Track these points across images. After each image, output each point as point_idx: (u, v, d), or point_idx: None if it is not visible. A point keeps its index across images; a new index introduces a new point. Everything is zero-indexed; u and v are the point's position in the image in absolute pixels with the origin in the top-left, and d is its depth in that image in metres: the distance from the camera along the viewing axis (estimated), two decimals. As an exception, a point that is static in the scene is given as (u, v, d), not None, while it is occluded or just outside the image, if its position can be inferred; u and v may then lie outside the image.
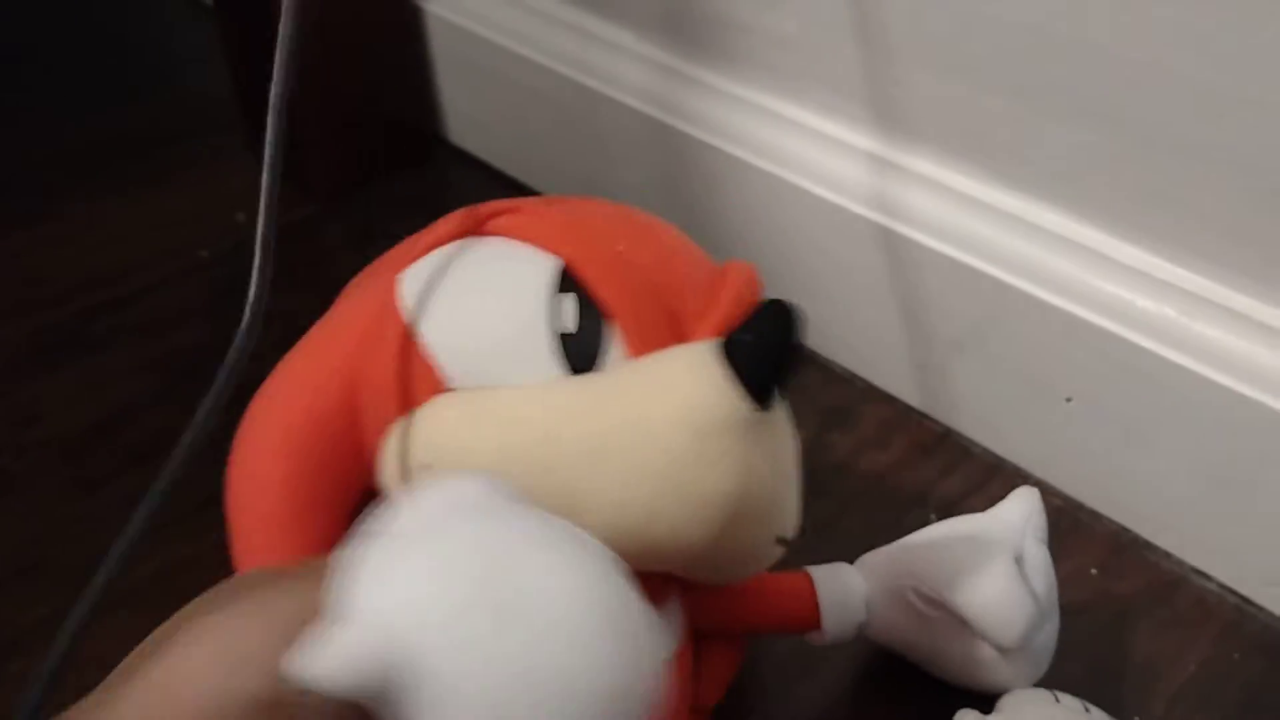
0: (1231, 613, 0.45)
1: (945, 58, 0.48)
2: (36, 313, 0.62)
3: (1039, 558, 0.40)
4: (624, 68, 0.61)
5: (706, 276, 0.32)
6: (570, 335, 0.29)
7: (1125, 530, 0.49)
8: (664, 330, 0.30)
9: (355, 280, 0.36)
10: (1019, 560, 0.38)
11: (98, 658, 0.44)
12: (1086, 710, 0.37)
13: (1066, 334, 0.47)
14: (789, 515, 0.32)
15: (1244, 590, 0.46)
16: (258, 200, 0.74)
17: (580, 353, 0.30)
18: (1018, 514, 0.40)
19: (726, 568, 0.32)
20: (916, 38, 0.48)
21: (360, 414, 0.31)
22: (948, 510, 0.49)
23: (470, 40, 0.69)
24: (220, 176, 0.73)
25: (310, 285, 0.64)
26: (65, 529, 0.49)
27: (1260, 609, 0.45)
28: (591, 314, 0.30)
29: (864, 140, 0.53)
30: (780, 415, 0.31)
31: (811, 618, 0.39)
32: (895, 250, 0.51)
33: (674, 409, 0.28)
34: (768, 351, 0.28)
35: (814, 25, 0.52)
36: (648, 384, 0.29)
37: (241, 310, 0.62)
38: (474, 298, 0.30)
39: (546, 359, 0.29)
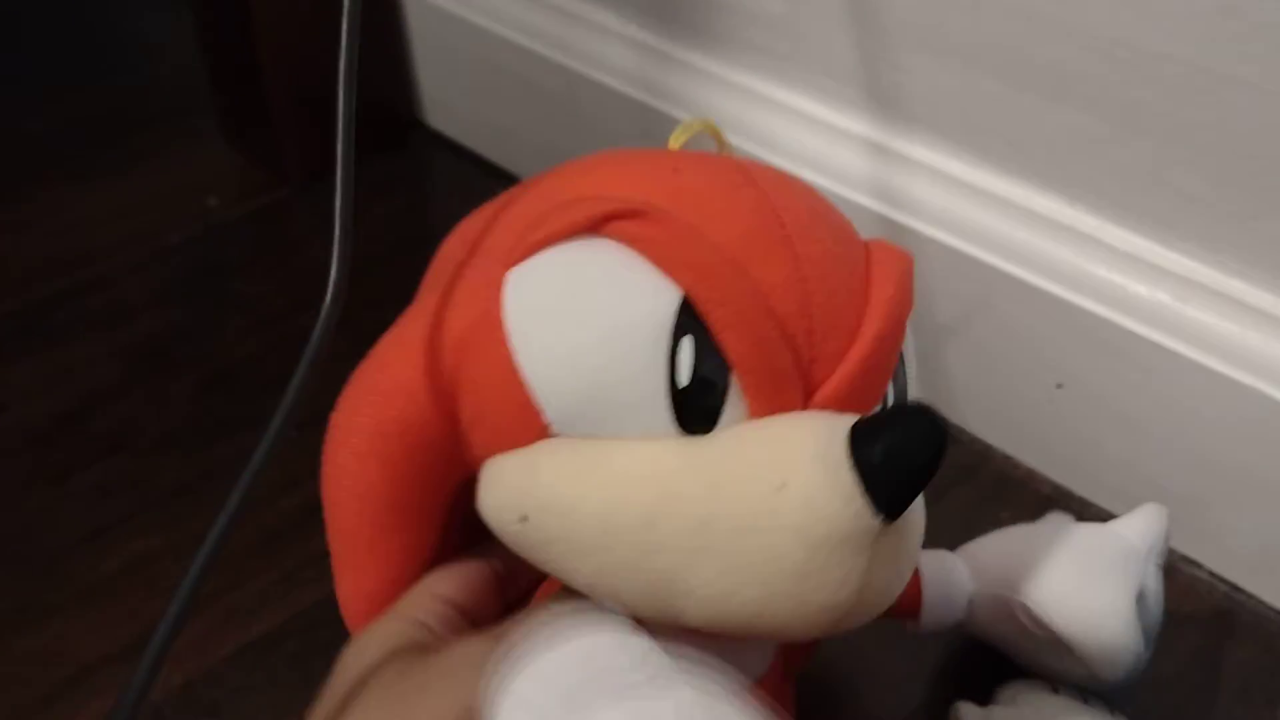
0: (1222, 600, 0.45)
1: (936, 41, 0.47)
2: (1, 299, 0.61)
3: (1156, 590, 0.38)
4: (606, 49, 0.60)
5: (849, 292, 0.29)
6: (685, 389, 0.27)
7: (1115, 518, 0.48)
8: (791, 383, 0.27)
9: (450, 250, 0.32)
10: (1140, 596, 0.37)
11: (71, 651, 0.43)
12: (1085, 701, 0.37)
13: (1058, 319, 0.46)
14: (904, 584, 0.29)
15: (1234, 578, 0.46)
16: (230, 184, 0.73)
17: (696, 409, 0.27)
18: (1144, 539, 0.38)
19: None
20: (906, 20, 0.48)
21: (456, 421, 0.29)
22: (937, 496, 0.48)
23: (448, 21, 0.68)
24: (191, 161, 0.72)
25: (281, 271, 0.64)
26: (33, 519, 0.48)
27: (1250, 596, 0.45)
28: (711, 363, 0.27)
29: (854, 124, 0.52)
30: (912, 507, 0.27)
31: (912, 608, 0.38)
32: (884, 234, 0.50)
33: (791, 513, 0.25)
34: (907, 464, 0.25)
35: (802, 6, 0.51)
36: (764, 474, 0.26)
37: (211, 296, 0.61)
38: (583, 334, 0.27)
39: (657, 413, 0.27)
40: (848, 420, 0.26)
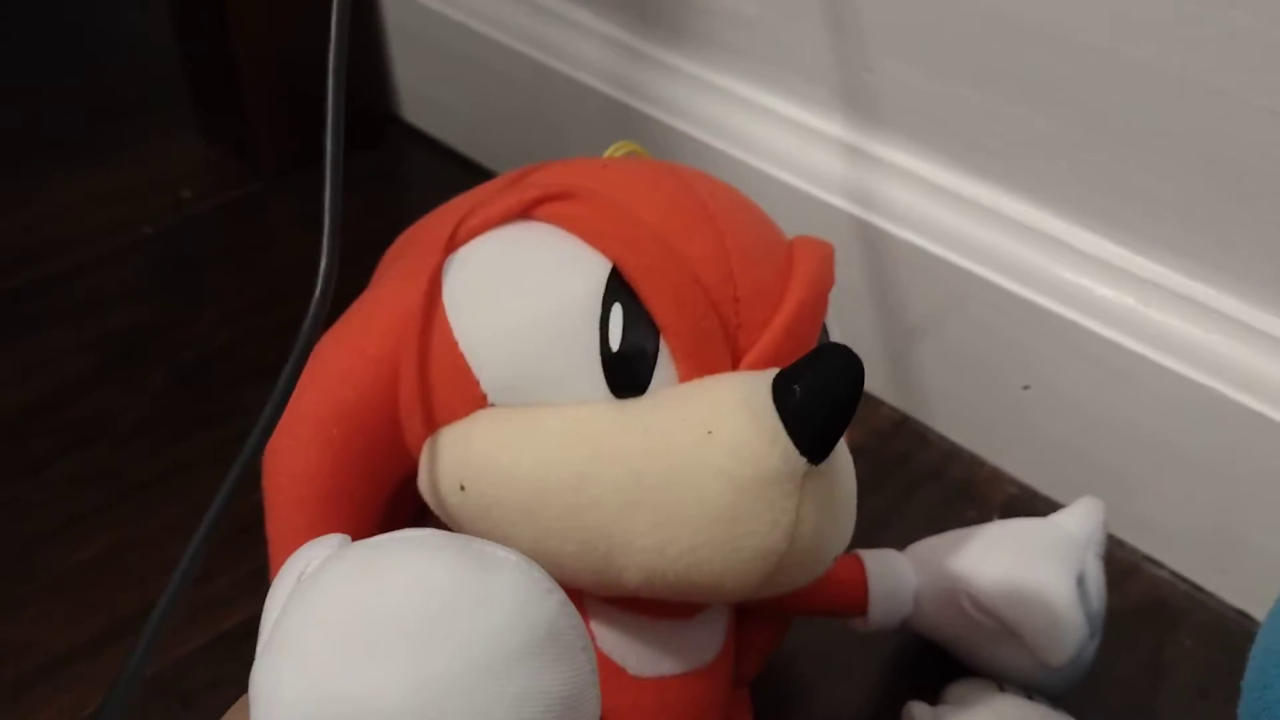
0: (1183, 600, 0.46)
1: (909, 44, 0.47)
2: (-27, 288, 0.60)
3: (1097, 577, 0.39)
4: (583, 46, 0.61)
5: (772, 268, 0.30)
6: (616, 353, 0.28)
7: (1079, 518, 0.49)
8: (718, 346, 0.28)
9: (395, 250, 0.34)
10: (1080, 580, 0.38)
11: (43, 641, 0.43)
12: (1030, 699, 0.37)
13: (1026, 321, 0.47)
14: (842, 546, 0.29)
15: (1195, 578, 0.46)
16: (203, 176, 0.73)
17: (627, 374, 0.28)
18: (1082, 528, 0.40)
19: (772, 593, 0.30)
20: (880, 24, 0.48)
21: (397, 405, 0.30)
22: (904, 495, 0.49)
23: (425, 15, 0.68)
24: (165, 152, 0.71)
25: (254, 263, 0.64)
26: (5, 510, 0.48)
27: (1211, 596, 0.46)
28: (640, 328, 0.28)
29: (826, 125, 0.52)
30: (838, 455, 0.28)
31: (859, 605, 0.38)
32: (855, 236, 0.51)
33: (718, 458, 0.26)
34: (828, 401, 0.26)
35: (776, 8, 0.51)
36: (691, 424, 0.27)
37: (184, 288, 0.61)
38: (516, 305, 0.28)
39: (590, 380, 0.28)
40: (771, 373, 0.27)
